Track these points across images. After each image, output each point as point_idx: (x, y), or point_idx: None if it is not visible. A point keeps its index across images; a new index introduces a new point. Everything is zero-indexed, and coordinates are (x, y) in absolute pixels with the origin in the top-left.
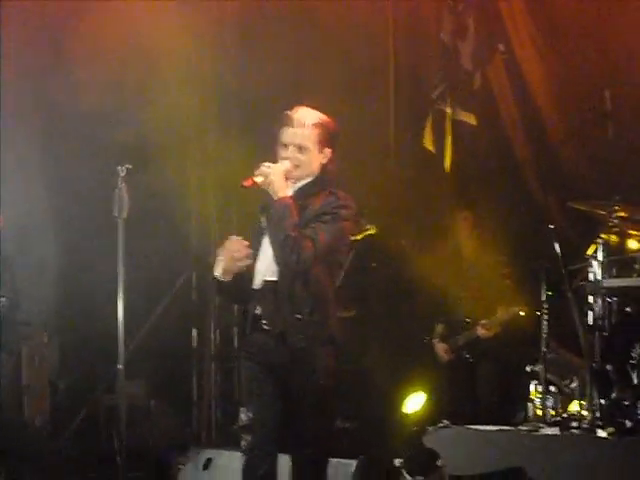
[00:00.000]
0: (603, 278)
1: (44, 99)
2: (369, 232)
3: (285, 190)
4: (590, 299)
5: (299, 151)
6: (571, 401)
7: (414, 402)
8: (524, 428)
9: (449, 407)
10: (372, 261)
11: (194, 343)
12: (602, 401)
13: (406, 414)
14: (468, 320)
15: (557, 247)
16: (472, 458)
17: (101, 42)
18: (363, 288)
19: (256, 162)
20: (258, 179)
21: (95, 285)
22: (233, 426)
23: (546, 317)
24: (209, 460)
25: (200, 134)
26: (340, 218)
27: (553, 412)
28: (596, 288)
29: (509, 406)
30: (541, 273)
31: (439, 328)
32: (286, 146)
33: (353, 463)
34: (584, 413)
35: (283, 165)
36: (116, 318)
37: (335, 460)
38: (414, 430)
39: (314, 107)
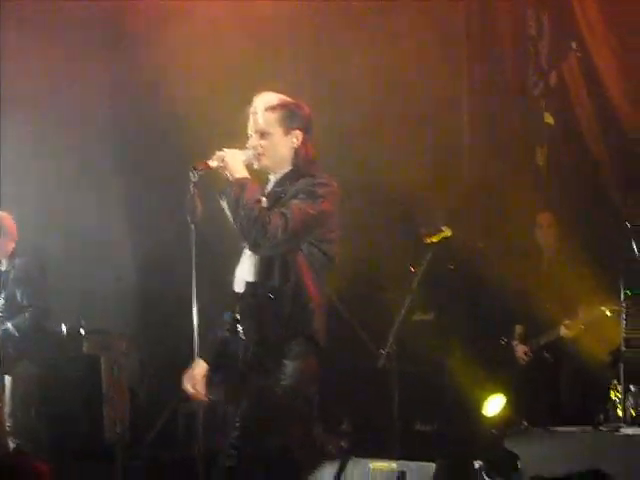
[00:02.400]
0: None
1: (119, 107)
2: (445, 234)
3: (242, 172)
4: None
5: (261, 137)
6: None
7: (494, 404)
8: (604, 429)
9: (529, 409)
10: (449, 263)
11: None
12: None
13: (486, 416)
14: (548, 321)
15: (635, 246)
16: (552, 460)
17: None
18: (441, 291)
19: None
20: (212, 163)
21: (173, 292)
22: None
23: (625, 316)
24: None
25: None
26: (316, 195)
27: (633, 412)
28: None
29: (589, 406)
30: (619, 272)
31: (518, 329)
32: (251, 136)
33: (433, 466)
34: None
35: (244, 153)
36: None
37: (414, 463)
38: (494, 432)
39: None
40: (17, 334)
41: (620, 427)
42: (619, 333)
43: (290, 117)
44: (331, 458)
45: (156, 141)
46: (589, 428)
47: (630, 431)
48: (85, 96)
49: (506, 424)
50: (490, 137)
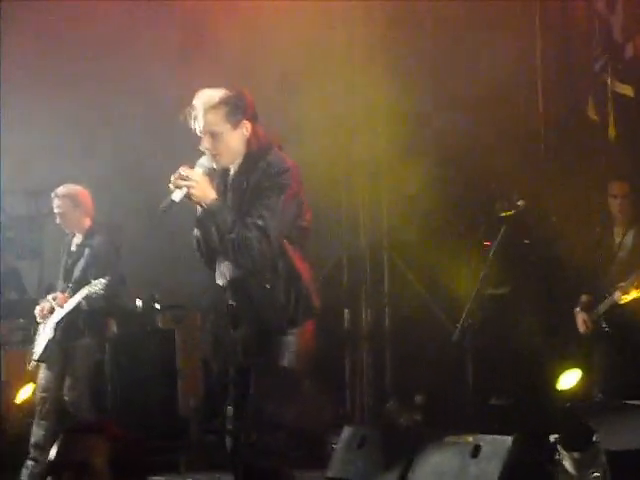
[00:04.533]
0: None
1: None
2: (520, 208)
3: (209, 195)
4: None
5: (213, 138)
6: None
7: (569, 377)
8: None
9: (604, 381)
10: (524, 237)
11: (346, 324)
12: None
13: (561, 390)
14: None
15: None
16: (628, 433)
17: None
18: (516, 265)
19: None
20: (175, 196)
21: None
22: (386, 405)
23: None
24: (363, 438)
25: (349, 117)
26: (280, 186)
27: None
28: None
29: None
30: None
31: (584, 298)
32: (201, 137)
33: (509, 439)
34: None
35: (200, 165)
36: None
37: (491, 437)
38: (569, 406)
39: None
40: (87, 308)
41: None
42: None
43: (234, 111)
44: (404, 431)
45: None
46: None
47: None
48: (148, 64)
49: (582, 397)
50: (564, 111)
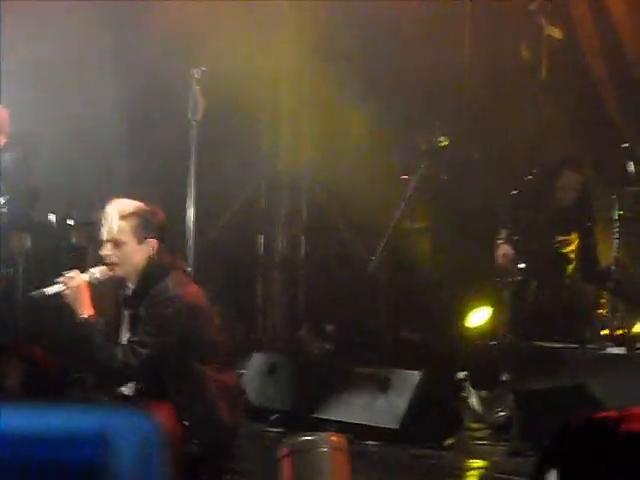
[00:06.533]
0: None
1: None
2: (441, 144)
3: (85, 307)
4: None
5: (115, 246)
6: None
7: (479, 316)
8: (590, 346)
9: (515, 321)
10: (443, 173)
11: (260, 250)
12: None
13: (471, 328)
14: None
15: (631, 166)
16: (536, 373)
17: None
18: (434, 201)
19: None
20: (50, 289)
21: (169, 190)
22: (298, 332)
23: (617, 237)
24: (274, 365)
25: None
26: (165, 316)
27: (620, 331)
28: None
29: (576, 324)
30: (613, 193)
31: (503, 233)
32: (104, 243)
33: (417, 374)
34: None
35: (90, 276)
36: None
37: (400, 371)
38: (478, 344)
39: None
40: None
41: (607, 346)
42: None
43: (144, 225)
44: (315, 359)
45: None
46: (574, 345)
47: (616, 350)
48: None
49: (491, 336)
50: (490, 53)
